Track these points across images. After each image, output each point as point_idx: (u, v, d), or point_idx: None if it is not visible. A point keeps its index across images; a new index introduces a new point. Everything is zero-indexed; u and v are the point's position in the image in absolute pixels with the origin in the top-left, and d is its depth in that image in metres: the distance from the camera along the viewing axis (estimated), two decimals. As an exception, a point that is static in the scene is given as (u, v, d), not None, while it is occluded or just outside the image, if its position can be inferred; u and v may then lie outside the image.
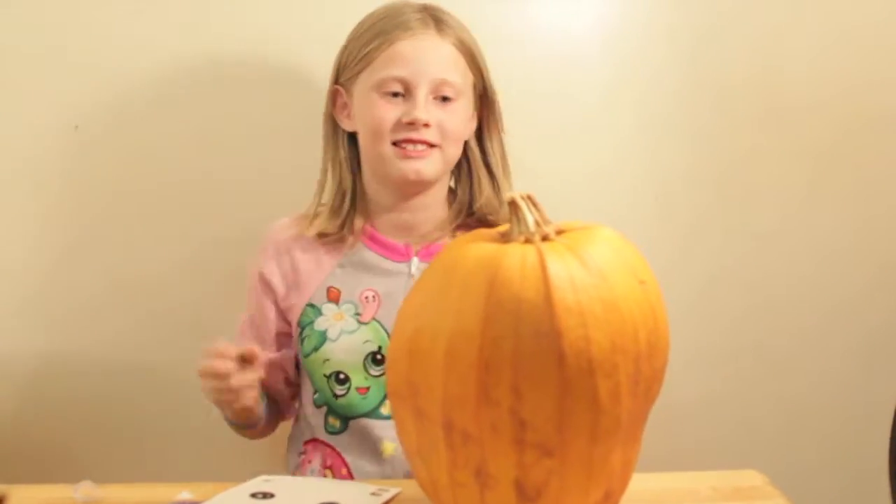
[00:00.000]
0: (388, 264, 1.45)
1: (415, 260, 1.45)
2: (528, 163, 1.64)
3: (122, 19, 1.67)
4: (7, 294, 1.70)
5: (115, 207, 1.71)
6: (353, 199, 1.46)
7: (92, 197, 1.70)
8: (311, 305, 1.45)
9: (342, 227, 1.45)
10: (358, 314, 1.43)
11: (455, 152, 1.45)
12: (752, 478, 1.29)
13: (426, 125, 1.39)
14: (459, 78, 1.43)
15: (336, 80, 1.47)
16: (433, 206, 1.47)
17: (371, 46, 1.41)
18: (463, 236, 1.12)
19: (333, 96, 1.48)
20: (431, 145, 1.41)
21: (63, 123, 1.68)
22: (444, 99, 1.42)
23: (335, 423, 1.46)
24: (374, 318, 1.43)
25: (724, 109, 1.84)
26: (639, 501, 1.15)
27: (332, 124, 1.49)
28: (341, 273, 1.45)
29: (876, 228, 1.89)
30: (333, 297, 1.45)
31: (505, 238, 1.06)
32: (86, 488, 1.20)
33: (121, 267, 1.71)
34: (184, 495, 1.19)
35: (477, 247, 1.05)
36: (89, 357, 1.72)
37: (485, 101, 1.49)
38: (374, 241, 1.46)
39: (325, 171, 1.49)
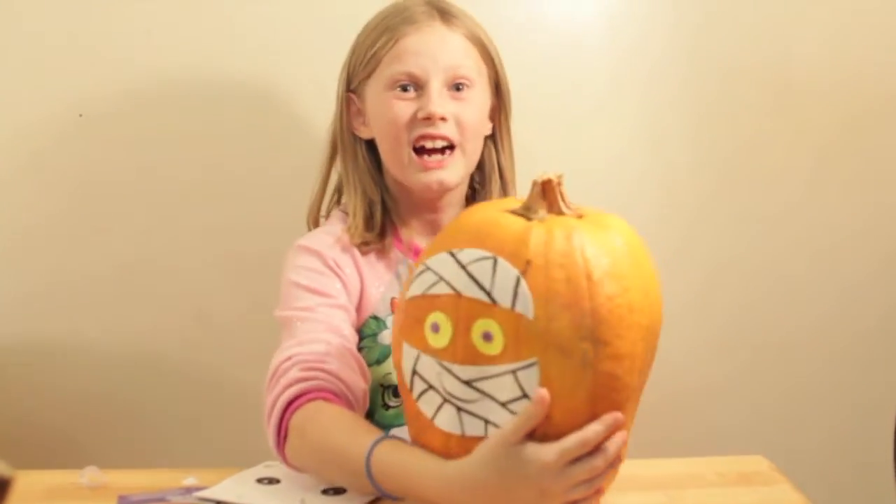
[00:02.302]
0: None
1: None
2: (533, 150, 1.63)
3: (127, 6, 1.67)
4: (11, 281, 1.70)
5: (120, 195, 1.71)
6: (383, 206, 1.41)
7: (96, 185, 1.70)
8: (375, 318, 1.38)
9: (382, 235, 1.40)
10: None
11: (475, 149, 1.41)
12: (757, 463, 1.29)
13: (443, 118, 1.35)
14: (473, 65, 1.39)
15: (347, 87, 1.43)
16: (457, 205, 1.44)
17: (377, 46, 1.38)
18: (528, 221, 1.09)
19: (347, 105, 1.43)
20: (450, 145, 1.36)
21: (68, 111, 1.68)
22: (459, 88, 1.37)
23: None
24: None
25: (730, 96, 1.84)
26: (643, 486, 1.16)
27: (349, 134, 1.43)
28: (399, 285, 1.40)
29: (882, 214, 1.89)
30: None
31: (541, 217, 1.09)
32: (91, 473, 1.21)
33: (125, 255, 1.71)
34: (189, 480, 1.19)
35: (596, 229, 1.08)
36: (95, 344, 1.72)
37: (499, 96, 1.44)
38: (417, 255, 1.39)
39: (347, 184, 1.43)
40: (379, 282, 1.39)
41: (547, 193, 1.10)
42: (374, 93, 1.39)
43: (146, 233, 1.71)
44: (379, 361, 1.37)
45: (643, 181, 1.83)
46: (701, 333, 1.85)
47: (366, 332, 1.38)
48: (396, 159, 1.38)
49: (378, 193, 1.41)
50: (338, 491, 1.16)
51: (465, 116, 1.37)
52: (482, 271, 1.03)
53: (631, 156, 1.83)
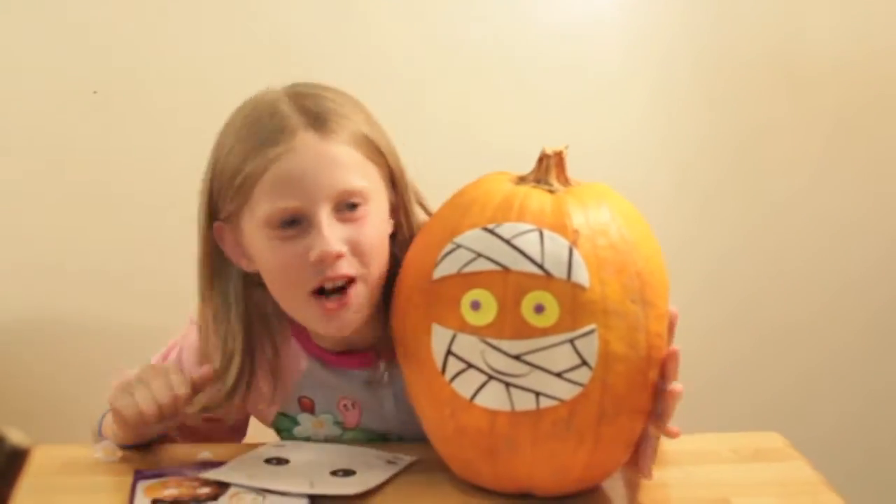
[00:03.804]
0: (354, 373, 1.25)
1: (381, 364, 1.24)
2: (545, 132, 1.63)
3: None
4: (25, 258, 1.70)
5: (133, 172, 1.71)
6: (244, 361, 1.20)
7: (110, 161, 1.71)
8: (284, 415, 1.27)
9: (230, 396, 1.21)
10: (339, 422, 1.27)
11: (380, 265, 1.17)
12: (772, 440, 1.29)
13: (338, 256, 1.12)
14: (363, 179, 1.15)
15: (213, 216, 1.19)
16: (372, 317, 1.20)
17: (246, 171, 1.13)
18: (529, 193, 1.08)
19: (219, 235, 1.20)
20: (351, 279, 1.14)
21: (82, 88, 1.68)
22: (351, 207, 1.14)
23: None
24: (358, 426, 1.27)
25: (741, 79, 1.84)
26: (659, 462, 1.15)
27: (219, 264, 1.21)
28: (310, 383, 1.26)
29: (892, 200, 1.89)
30: (307, 406, 1.27)
31: (550, 188, 1.10)
32: (107, 448, 1.20)
33: (139, 230, 1.72)
34: (204, 455, 1.19)
35: (610, 197, 1.11)
36: (112, 320, 1.73)
37: (396, 188, 1.22)
38: (329, 362, 1.26)
39: (205, 328, 1.23)
40: (289, 376, 1.26)
41: (557, 165, 1.11)
42: (252, 227, 1.16)
43: (159, 209, 1.72)
44: None
45: (655, 164, 1.83)
46: (713, 316, 1.85)
47: (279, 426, 1.30)
48: (289, 304, 1.19)
49: (242, 343, 1.20)
50: (347, 472, 1.15)
51: (363, 239, 1.15)
52: (529, 244, 1.03)
53: (643, 139, 1.83)
